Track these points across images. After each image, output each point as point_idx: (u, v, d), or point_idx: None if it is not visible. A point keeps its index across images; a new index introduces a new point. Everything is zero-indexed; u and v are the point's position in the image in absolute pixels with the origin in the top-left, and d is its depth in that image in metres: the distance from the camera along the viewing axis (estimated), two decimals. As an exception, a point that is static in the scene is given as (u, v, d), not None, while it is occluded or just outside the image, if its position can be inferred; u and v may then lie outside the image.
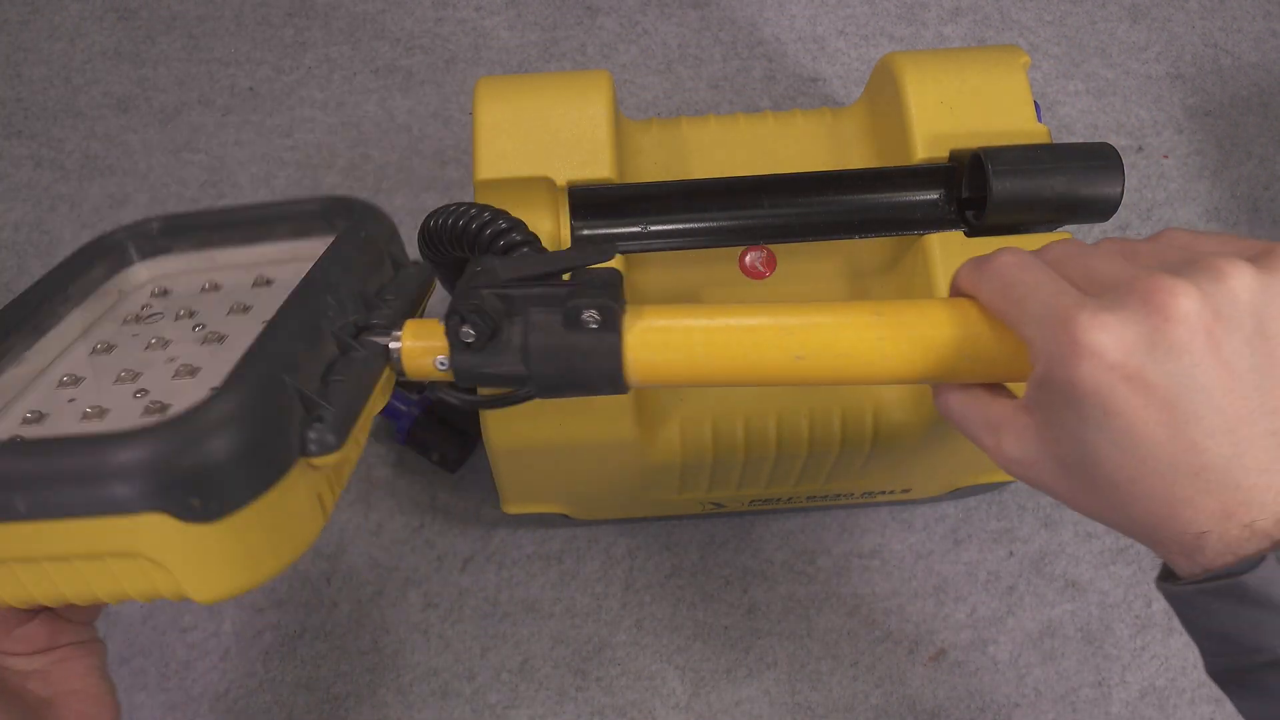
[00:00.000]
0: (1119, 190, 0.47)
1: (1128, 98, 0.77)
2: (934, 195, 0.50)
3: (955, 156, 0.50)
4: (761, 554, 0.65)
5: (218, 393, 0.31)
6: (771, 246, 0.55)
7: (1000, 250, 0.36)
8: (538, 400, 0.43)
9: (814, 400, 0.52)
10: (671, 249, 0.51)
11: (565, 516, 0.61)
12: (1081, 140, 0.75)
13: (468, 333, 0.37)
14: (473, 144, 0.50)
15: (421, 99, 0.76)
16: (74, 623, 0.40)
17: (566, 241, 0.49)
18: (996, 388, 0.37)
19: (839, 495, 0.60)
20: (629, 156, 0.56)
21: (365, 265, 0.41)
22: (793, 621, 0.63)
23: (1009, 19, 0.79)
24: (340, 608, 0.63)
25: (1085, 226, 0.73)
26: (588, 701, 0.62)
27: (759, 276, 0.54)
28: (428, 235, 0.46)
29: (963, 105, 0.51)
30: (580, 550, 0.65)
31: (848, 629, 0.63)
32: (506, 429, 0.49)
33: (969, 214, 0.49)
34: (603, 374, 0.38)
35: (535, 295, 0.38)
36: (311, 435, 0.33)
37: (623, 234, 0.50)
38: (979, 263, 0.36)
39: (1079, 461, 0.33)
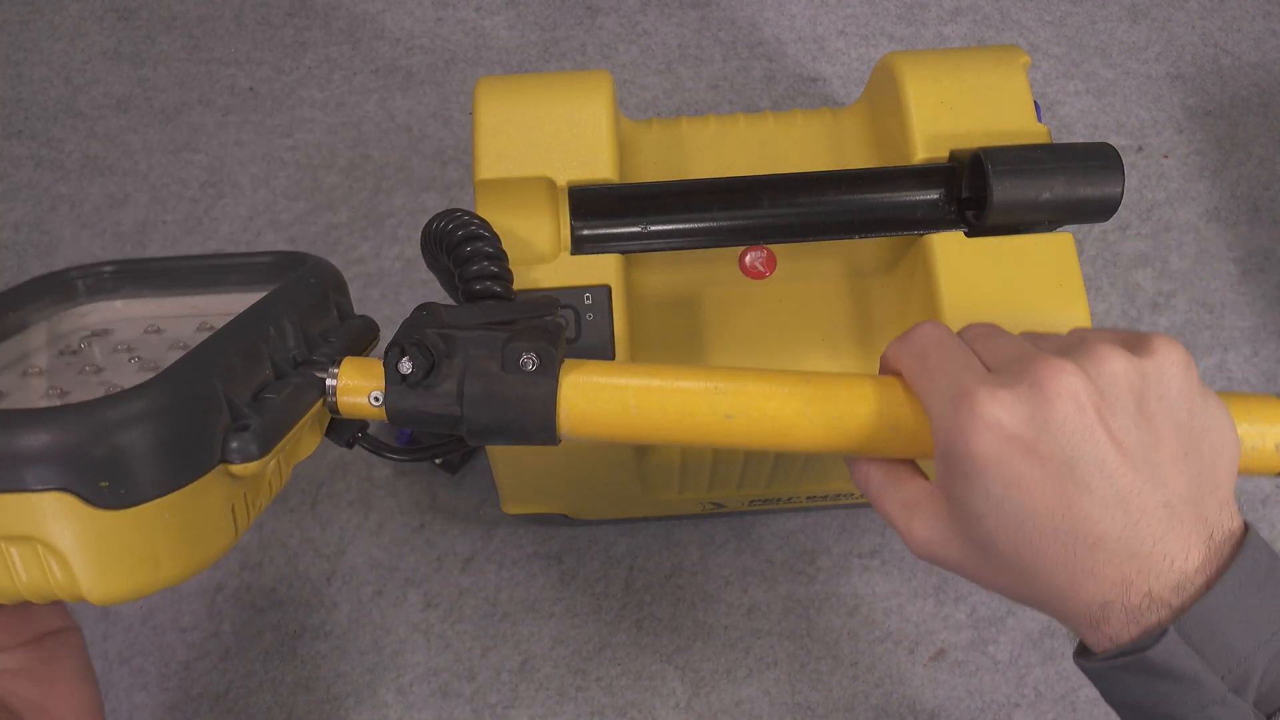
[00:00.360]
0: (1119, 190, 0.47)
1: (1128, 98, 0.77)
2: (934, 195, 0.50)
3: (955, 156, 0.50)
4: (761, 554, 0.65)
5: (147, 381, 0.30)
6: (771, 246, 0.55)
7: (922, 323, 0.38)
8: None
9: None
10: (672, 249, 0.51)
11: (565, 517, 0.61)
12: (1082, 140, 0.75)
13: (405, 364, 0.38)
14: (473, 144, 0.50)
15: (421, 99, 0.76)
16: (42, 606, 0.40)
17: (567, 241, 0.49)
18: (915, 469, 0.39)
19: (839, 495, 0.60)
20: (629, 156, 0.56)
21: (311, 307, 0.41)
22: (793, 621, 0.63)
23: (1009, 19, 0.79)
24: (340, 608, 0.63)
25: (1085, 227, 0.73)
26: (588, 701, 0.62)
27: (759, 276, 0.54)
28: (425, 237, 0.46)
29: (963, 105, 0.51)
30: (580, 550, 0.65)
31: (848, 629, 0.63)
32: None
33: (969, 214, 0.49)
34: (536, 419, 0.38)
35: (475, 337, 0.39)
36: (234, 444, 0.33)
37: (623, 234, 0.50)
38: (902, 337, 0.38)
39: (985, 537, 0.34)
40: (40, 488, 0.29)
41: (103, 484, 0.29)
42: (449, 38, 0.79)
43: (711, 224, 0.50)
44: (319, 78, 0.77)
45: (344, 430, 0.42)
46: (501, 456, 0.51)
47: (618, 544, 0.65)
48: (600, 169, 0.50)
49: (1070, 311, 0.48)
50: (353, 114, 0.76)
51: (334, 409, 0.39)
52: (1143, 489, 0.32)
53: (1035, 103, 0.51)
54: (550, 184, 0.50)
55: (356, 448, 0.44)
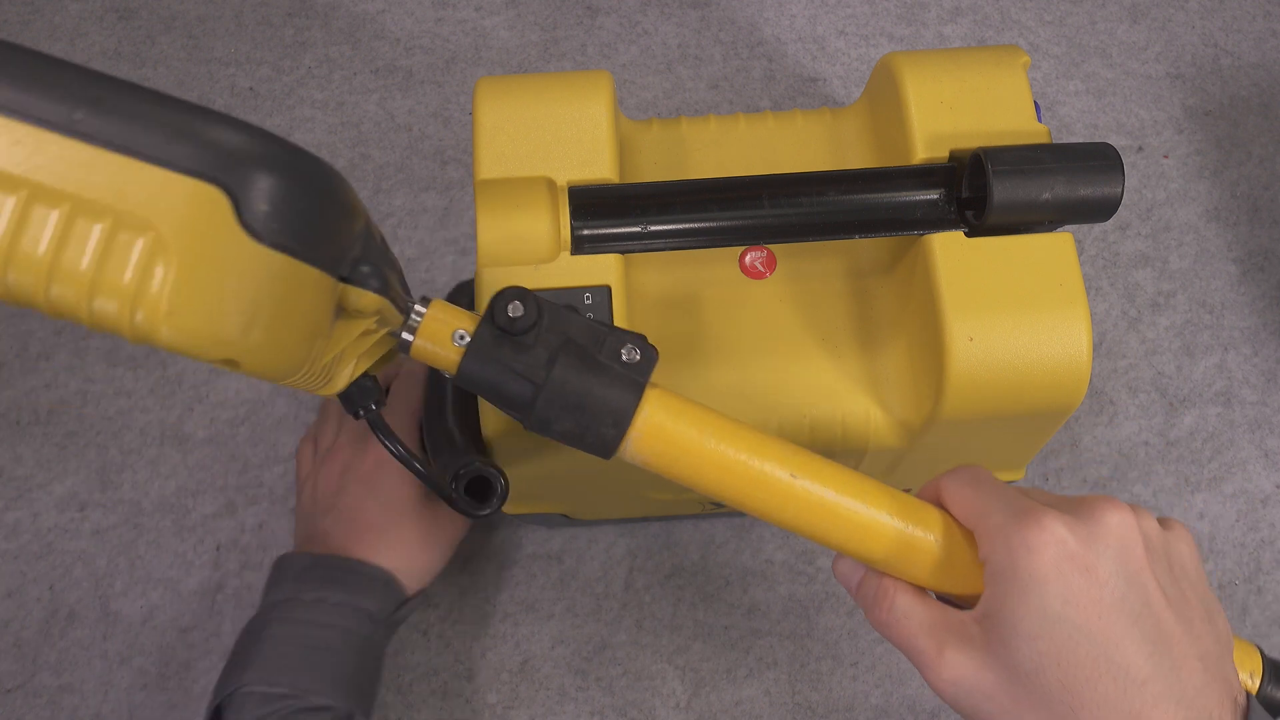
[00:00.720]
0: (1119, 190, 0.47)
1: (1128, 98, 0.77)
2: (934, 195, 0.50)
3: (955, 156, 0.50)
4: (761, 554, 0.65)
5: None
6: (771, 247, 0.55)
7: (964, 465, 0.41)
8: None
9: (814, 403, 0.52)
10: (672, 249, 0.51)
11: (565, 516, 0.61)
12: (1082, 140, 0.75)
13: (517, 307, 0.37)
14: (473, 144, 0.50)
15: (421, 99, 0.76)
16: None
17: (567, 242, 0.49)
18: (943, 599, 0.39)
19: None
20: (629, 156, 0.56)
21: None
22: (793, 621, 0.63)
23: (1009, 19, 0.79)
24: (340, 608, 0.63)
25: (1085, 227, 0.73)
26: (588, 701, 0.62)
27: (759, 276, 0.54)
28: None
29: (963, 105, 0.51)
30: (580, 550, 0.65)
31: (848, 629, 0.63)
32: (505, 429, 0.49)
33: (969, 214, 0.49)
34: (610, 412, 0.38)
35: (575, 320, 0.39)
36: (365, 268, 0.33)
37: (623, 234, 0.50)
38: (950, 471, 0.40)
39: (1032, 663, 0.33)
40: (203, 173, 0.27)
41: (261, 207, 0.28)
42: (449, 38, 0.79)
43: (711, 224, 0.50)
44: (319, 78, 0.77)
45: (360, 398, 0.40)
46: (502, 456, 0.51)
47: (618, 544, 0.65)
48: (600, 169, 0.50)
49: (1070, 311, 0.48)
50: (352, 114, 0.76)
51: (405, 343, 0.38)
52: (1182, 638, 0.33)
53: (1035, 103, 0.51)
54: (550, 184, 0.50)
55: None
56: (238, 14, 0.79)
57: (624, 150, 0.55)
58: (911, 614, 0.38)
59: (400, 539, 0.55)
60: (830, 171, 0.51)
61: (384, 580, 0.54)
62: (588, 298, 0.48)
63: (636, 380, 0.39)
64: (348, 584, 0.53)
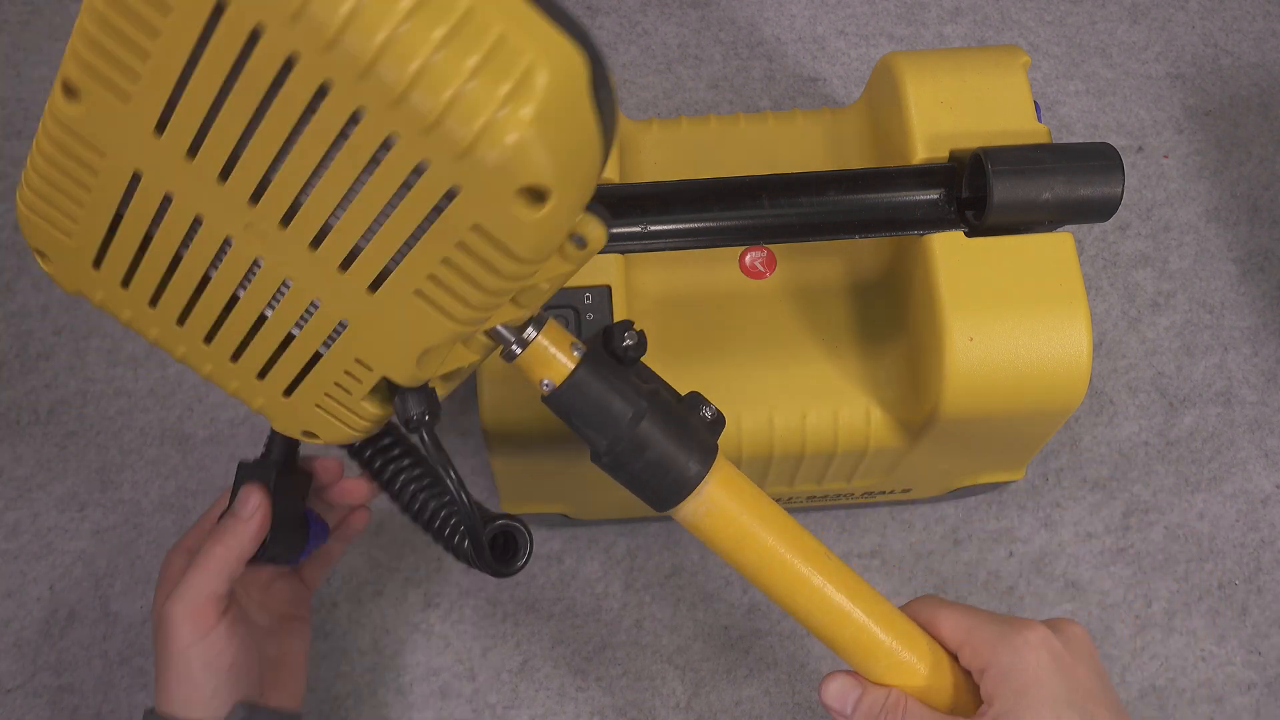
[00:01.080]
0: (1119, 190, 0.47)
1: (1128, 98, 0.77)
2: (934, 195, 0.50)
3: (955, 156, 0.50)
4: (761, 554, 0.65)
5: None
6: (772, 247, 0.55)
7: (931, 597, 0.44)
8: (534, 400, 0.43)
9: (813, 403, 0.52)
10: (672, 249, 0.51)
11: (565, 516, 0.61)
12: (1082, 140, 0.75)
13: (632, 335, 0.39)
14: None
15: (421, 99, 0.76)
16: (309, 589, 0.53)
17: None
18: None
19: (839, 495, 0.60)
20: (629, 156, 0.56)
21: None
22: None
23: (1009, 19, 0.79)
24: (340, 608, 0.63)
25: (1085, 227, 0.73)
26: (588, 701, 0.62)
27: (759, 276, 0.54)
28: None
29: (963, 105, 0.51)
30: (580, 550, 0.65)
31: (848, 629, 0.63)
32: (505, 429, 0.49)
33: (969, 214, 0.49)
34: (680, 471, 0.39)
35: (654, 377, 0.41)
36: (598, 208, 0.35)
37: (622, 234, 0.50)
38: (924, 598, 0.44)
39: None
40: (582, 42, 0.31)
41: (603, 92, 0.31)
42: (449, 38, 0.79)
43: (711, 224, 0.50)
44: (319, 78, 0.77)
45: (426, 403, 0.39)
46: (500, 456, 0.51)
47: (618, 544, 0.65)
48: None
49: (1070, 311, 0.48)
50: (353, 114, 0.76)
51: (524, 341, 0.38)
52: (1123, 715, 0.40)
53: (1035, 103, 0.51)
54: None
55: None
56: (238, 14, 0.79)
57: (624, 150, 0.55)
58: (926, 718, 0.41)
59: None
60: (830, 171, 0.51)
61: None
62: (588, 298, 0.48)
63: (712, 444, 0.41)
64: None
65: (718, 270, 0.54)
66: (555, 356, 0.39)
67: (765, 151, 0.56)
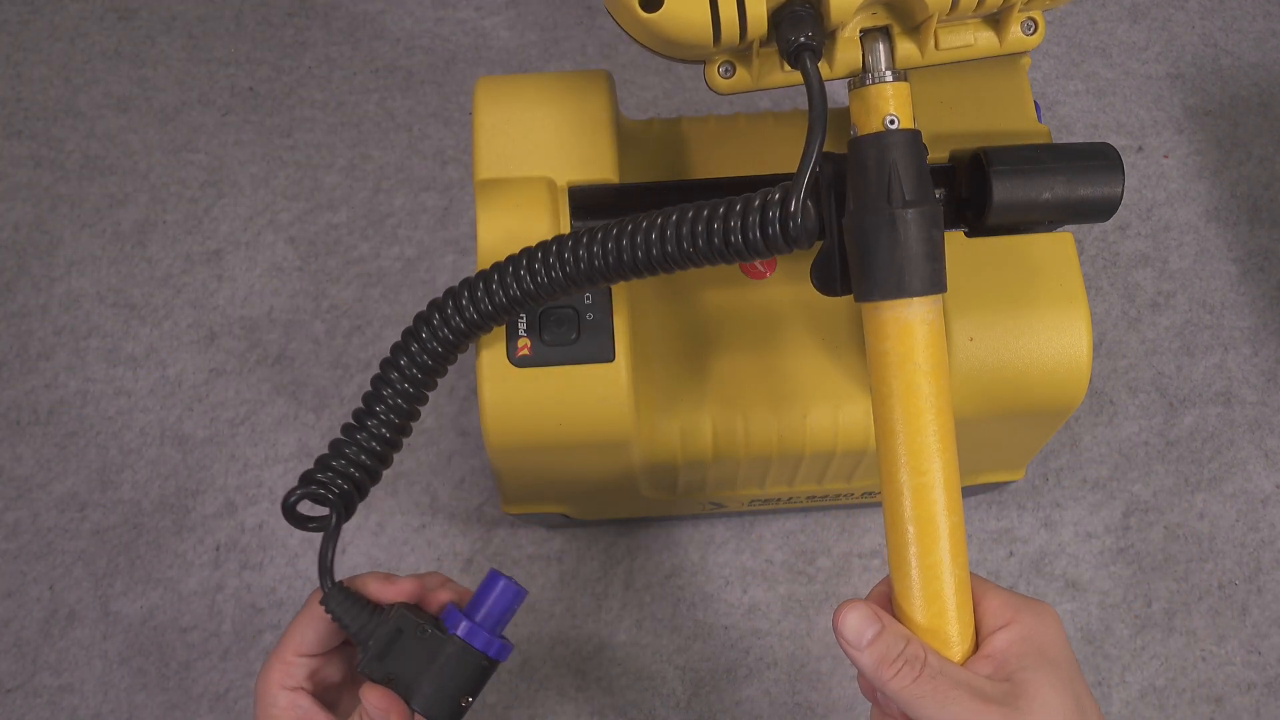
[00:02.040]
0: (1120, 190, 0.47)
1: (1128, 98, 0.77)
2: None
3: (955, 157, 0.50)
4: (761, 554, 0.65)
5: None
6: None
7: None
8: (535, 400, 0.44)
9: (813, 402, 0.52)
10: None
11: (565, 516, 0.61)
12: (1082, 140, 0.75)
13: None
14: (473, 144, 0.50)
15: (421, 99, 0.76)
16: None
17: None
18: None
19: (839, 495, 0.60)
20: (629, 156, 0.56)
21: None
22: (793, 621, 0.63)
23: (1009, 19, 0.79)
24: (340, 608, 0.63)
25: (1084, 227, 0.73)
26: (588, 701, 0.62)
27: (759, 276, 0.54)
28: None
29: (963, 105, 0.51)
30: (580, 550, 0.65)
31: (848, 629, 0.63)
32: (505, 429, 0.49)
33: (969, 214, 0.49)
34: (939, 265, 0.40)
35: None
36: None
37: None
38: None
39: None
40: None
41: None
42: (449, 38, 0.79)
43: None
44: (319, 78, 0.77)
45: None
46: (501, 457, 0.51)
47: (618, 544, 0.65)
48: (601, 169, 0.50)
49: (1070, 311, 0.48)
50: (352, 114, 0.76)
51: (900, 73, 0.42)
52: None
53: (1036, 102, 0.51)
54: (550, 184, 0.50)
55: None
56: (238, 14, 0.79)
57: (624, 150, 0.55)
58: (946, 671, 0.38)
59: None
60: None
61: None
62: (588, 298, 0.48)
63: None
64: None
65: (718, 270, 0.54)
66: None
67: (765, 151, 0.56)
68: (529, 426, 0.48)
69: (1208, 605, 0.64)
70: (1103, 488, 0.67)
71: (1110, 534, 0.66)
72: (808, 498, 0.60)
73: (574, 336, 0.47)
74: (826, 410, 0.52)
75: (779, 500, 0.61)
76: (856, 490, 0.60)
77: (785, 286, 0.54)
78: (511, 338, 0.47)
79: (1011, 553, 0.65)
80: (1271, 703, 0.62)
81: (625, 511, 0.63)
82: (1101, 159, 0.47)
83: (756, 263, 0.54)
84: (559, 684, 0.62)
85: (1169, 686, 0.62)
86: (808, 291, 0.54)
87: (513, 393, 0.47)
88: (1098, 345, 0.70)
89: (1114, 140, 0.75)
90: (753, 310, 0.53)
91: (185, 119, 0.76)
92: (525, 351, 0.47)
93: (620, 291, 0.48)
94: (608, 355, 0.47)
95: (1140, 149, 0.76)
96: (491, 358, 0.47)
